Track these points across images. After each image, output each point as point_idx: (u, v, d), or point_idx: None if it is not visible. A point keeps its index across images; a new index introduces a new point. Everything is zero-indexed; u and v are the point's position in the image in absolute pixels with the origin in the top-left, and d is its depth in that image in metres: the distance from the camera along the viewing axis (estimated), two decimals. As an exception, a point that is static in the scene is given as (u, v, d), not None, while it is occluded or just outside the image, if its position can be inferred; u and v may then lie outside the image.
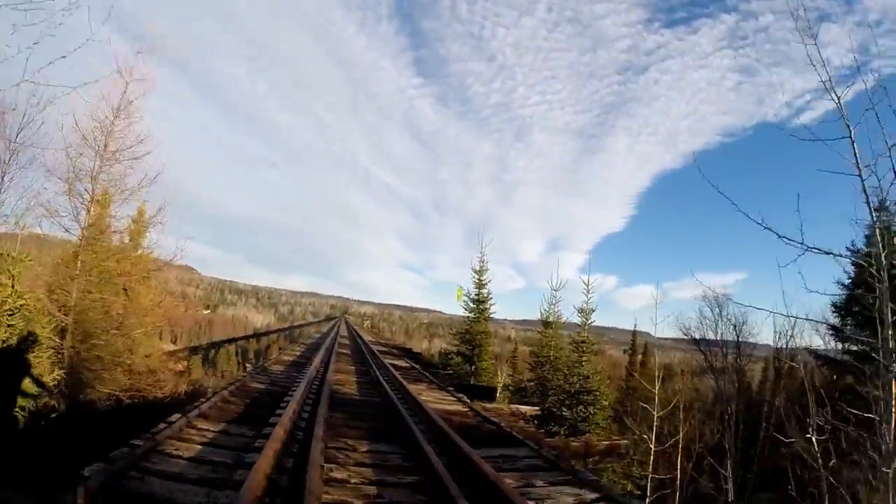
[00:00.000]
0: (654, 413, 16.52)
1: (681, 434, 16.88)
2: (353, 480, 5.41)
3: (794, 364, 25.86)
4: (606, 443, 9.12)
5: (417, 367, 19.83)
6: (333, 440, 6.79)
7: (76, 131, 15.56)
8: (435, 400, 11.69)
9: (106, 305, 17.19)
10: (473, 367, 21.86)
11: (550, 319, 24.14)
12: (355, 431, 7.47)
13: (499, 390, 24.32)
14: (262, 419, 7.18)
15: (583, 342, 17.63)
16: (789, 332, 26.58)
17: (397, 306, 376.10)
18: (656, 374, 17.46)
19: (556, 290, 23.99)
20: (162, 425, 6.14)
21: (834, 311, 21.21)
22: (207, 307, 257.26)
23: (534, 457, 7.06)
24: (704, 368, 29.82)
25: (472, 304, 23.37)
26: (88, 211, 15.73)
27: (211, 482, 4.79)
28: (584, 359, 17.39)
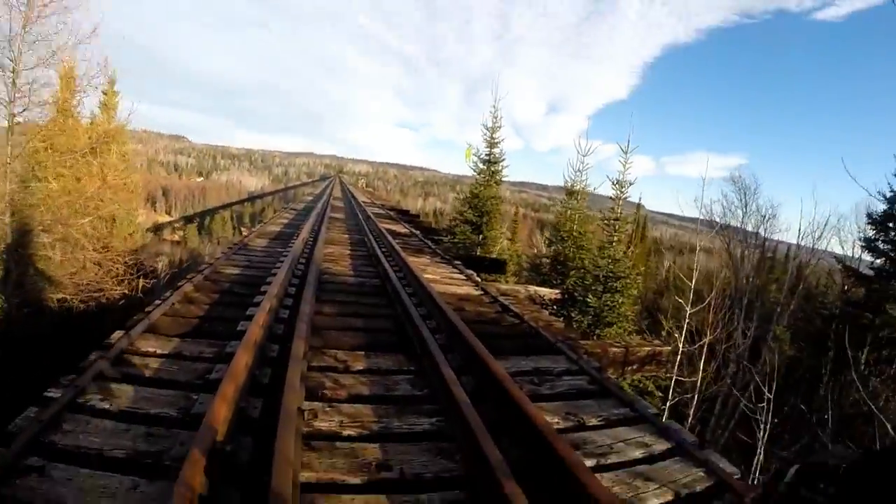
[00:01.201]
0: (687, 308, 15.06)
1: (709, 335, 15.35)
2: (346, 433, 3.84)
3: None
4: (648, 349, 7.60)
5: (417, 233, 18.26)
6: (319, 355, 5.19)
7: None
8: (442, 279, 10.15)
9: (49, 192, 14.88)
10: (482, 236, 20.00)
11: (576, 188, 21.62)
12: (349, 337, 5.86)
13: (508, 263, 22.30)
14: (227, 328, 5.58)
15: (616, 220, 15.59)
16: (817, 233, 24.71)
17: (392, 165, 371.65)
18: (695, 266, 15.76)
19: (584, 156, 21.40)
20: (93, 356, 4.56)
21: (869, 222, 19.18)
22: (200, 174, 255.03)
23: (575, 373, 5.51)
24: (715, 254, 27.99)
25: (481, 166, 20.88)
26: (13, 83, 13.03)
27: (138, 465, 3.19)
28: (614, 238, 15.45)
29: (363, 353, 5.41)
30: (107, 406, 3.81)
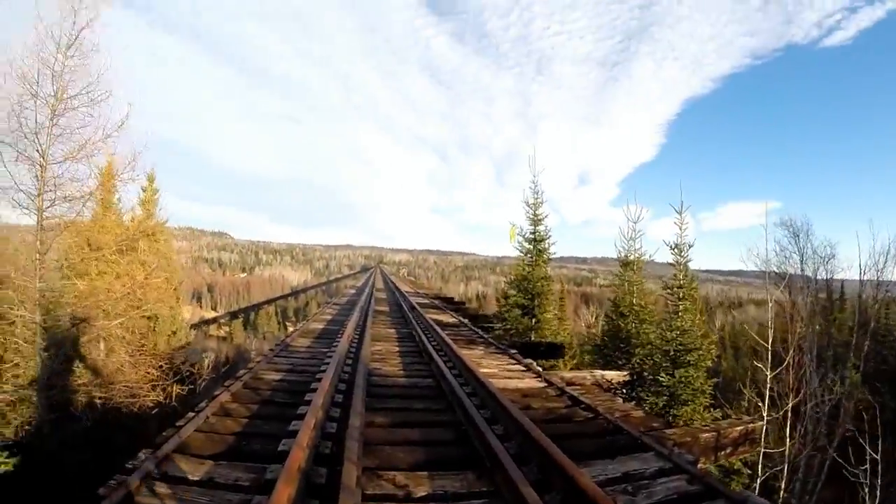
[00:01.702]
0: (767, 373, 13.87)
1: (791, 398, 14.12)
2: None
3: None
4: (740, 427, 6.72)
5: (466, 322, 17.48)
6: (374, 479, 4.42)
7: (13, 78, 12.42)
8: (500, 372, 9.35)
9: (79, 291, 14.43)
10: (534, 320, 18.95)
11: (631, 258, 20.07)
12: (406, 453, 5.07)
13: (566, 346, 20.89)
14: (268, 448, 4.90)
15: (680, 287, 14.52)
16: (880, 266, 23.38)
17: (431, 251, 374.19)
18: (769, 324, 14.67)
19: (635, 223, 20.02)
20: (113, 482, 3.95)
21: None
22: (244, 270, 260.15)
23: (670, 472, 4.70)
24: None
25: (527, 245, 19.42)
26: (40, 176, 12.76)
27: None
28: (680, 307, 14.34)
29: (425, 473, 4.61)
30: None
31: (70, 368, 13.65)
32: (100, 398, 13.82)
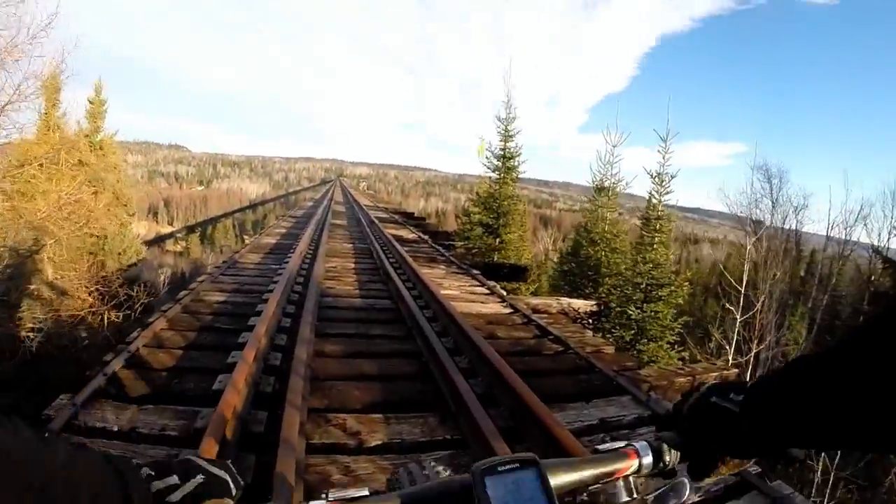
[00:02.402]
0: (737, 317, 13.65)
1: (755, 345, 13.95)
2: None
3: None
4: (714, 374, 6.36)
5: (426, 238, 16.87)
6: (321, 426, 3.87)
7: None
8: (462, 294, 8.85)
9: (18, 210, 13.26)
10: (499, 240, 18.32)
11: (606, 184, 19.49)
12: (360, 391, 4.51)
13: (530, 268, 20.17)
14: (202, 386, 4.35)
15: (658, 219, 13.91)
16: (849, 223, 23.16)
17: (392, 166, 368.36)
18: (745, 269, 14.37)
19: (614, 147, 19.36)
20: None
21: None
22: (201, 183, 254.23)
23: (649, 421, 4.28)
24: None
25: (496, 162, 18.82)
26: None
27: None
28: (655, 239, 13.79)
29: (380, 416, 4.07)
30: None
31: (9, 295, 12.66)
32: (41, 326, 12.83)
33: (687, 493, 0.84)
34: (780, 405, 0.70)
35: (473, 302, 8.31)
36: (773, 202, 23.64)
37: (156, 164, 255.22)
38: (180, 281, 32.34)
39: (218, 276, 8.91)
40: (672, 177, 14.23)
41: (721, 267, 23.14)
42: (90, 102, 23.07)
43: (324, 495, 0.72)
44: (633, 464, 0.83)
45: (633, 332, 12.97)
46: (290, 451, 3.07)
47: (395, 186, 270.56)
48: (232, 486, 0.86)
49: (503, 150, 18.72)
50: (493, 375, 4.43)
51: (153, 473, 0.77)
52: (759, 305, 14.54)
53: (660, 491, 0.85)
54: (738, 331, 13.87)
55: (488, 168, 18.74)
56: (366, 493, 0.74)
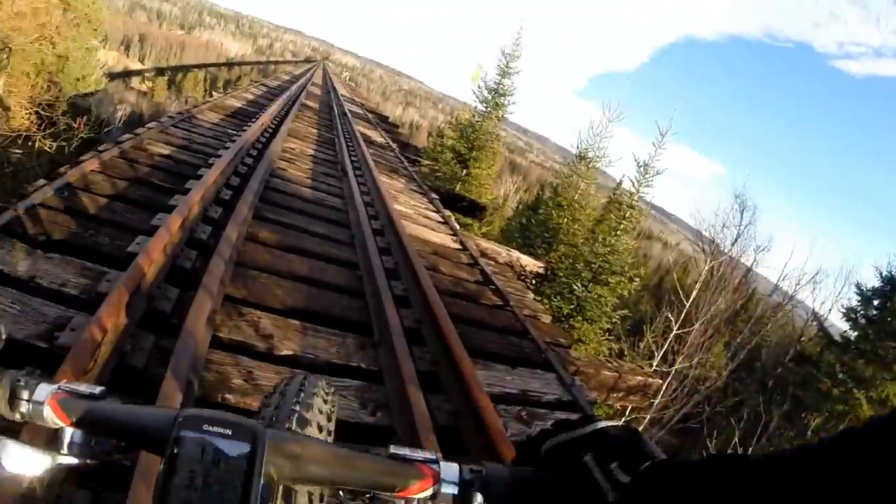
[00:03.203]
0: (674, 328, 13.74)
1: (679, 360, 14.22)
2: None
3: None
4: (640, 378, 6.40)
5: (394, 147, 16.35)
6: (233, 318, 3.58)
7: None
8: (416, 216, 8.51)
9: None
10: (466, 171, 17.91)
11: (590, 154, 18.67)
12: (283, 289, 4.24)
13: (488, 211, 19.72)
14: (118, 244, 4.01)
15: (631, 207, 13.70)
16: (801, 281, 23.39)
17: (380, 64, 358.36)
18: (696, 286, 14.39)
19: (610, 121, 18.30)
20: None
21: (858, 293, 18.20)
22: (182, 27, 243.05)
23: (568, 406, 4.14)
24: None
25: (486, 94, 18.43)
26: None
27: None
28: (622, 226, 13.62)
29: (298, 324, 3.80)
30: None
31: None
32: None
33: None
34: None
35: (424, 227, 8.00)
36: (738, 233, 23.64)
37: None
38: (138, 123, 31.00)
39: (168, 126, 8.29)
40: (658, 172, 14.09)
41: (675, 276, 23.34)
42: None
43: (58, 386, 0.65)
44: (424, 487, 0.64)
45: (572, 306, 12.98)
46: (191, 341, 2.80)
47: (378, 86, 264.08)
48: None
49: (498, 83, 18.23)
50: (425, 313, 4.20)
51: None
52: (697, 325, 14.80)
53: None
54: (670, 341, 14.11)
55: (477, 98, 18.26)
56: (96, 391, 0.66)
